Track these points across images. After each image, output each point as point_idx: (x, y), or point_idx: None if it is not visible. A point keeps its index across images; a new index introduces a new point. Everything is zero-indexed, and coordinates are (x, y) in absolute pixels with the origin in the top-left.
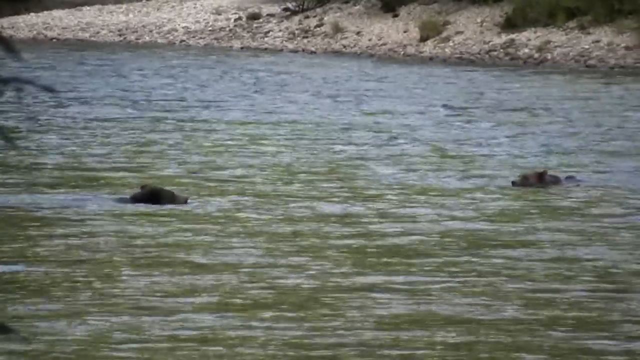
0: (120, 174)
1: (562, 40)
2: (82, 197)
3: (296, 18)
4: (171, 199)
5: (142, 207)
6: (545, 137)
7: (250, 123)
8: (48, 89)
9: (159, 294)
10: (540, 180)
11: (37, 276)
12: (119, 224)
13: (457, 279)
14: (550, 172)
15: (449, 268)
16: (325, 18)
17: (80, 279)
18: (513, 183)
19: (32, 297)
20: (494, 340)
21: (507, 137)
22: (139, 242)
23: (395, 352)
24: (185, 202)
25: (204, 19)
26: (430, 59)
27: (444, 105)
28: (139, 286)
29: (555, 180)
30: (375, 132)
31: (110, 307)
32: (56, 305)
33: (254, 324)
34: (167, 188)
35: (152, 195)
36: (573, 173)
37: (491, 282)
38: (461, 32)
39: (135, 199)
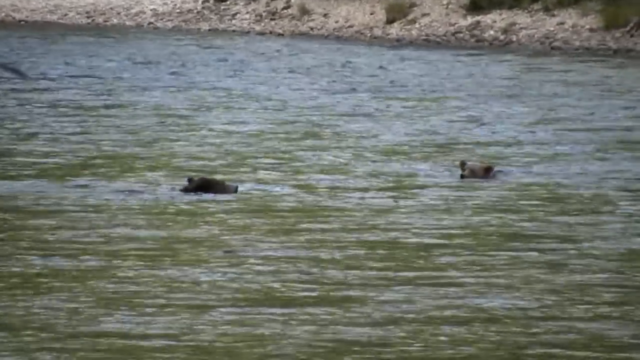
0: (144, 161)
1: (527, 22)
2: (132, 188)
3: (263, 0)
4: (222, 189)
5: (193, 198)
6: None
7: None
8: (18, 72)
9: (193, 289)
10: (487, 174)
11: (72, 268)
12: (167, 216)
13: (486, 274)
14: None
15: (473, 263)
16: (292, 0)
17: (123, 271)
18: (462, 176)
19: (66, 290)
20: (531, 335)
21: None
22: (186, 234)
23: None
24: (235, 191)
25: (172, 1)
26: (397, 40)
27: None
28: (179, 279)
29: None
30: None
31: (144, 301)
32: (88, 298)
33: (282, 319)
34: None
35: (203, 186)
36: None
37: (524, 276)
38: (427, 14)
39: (186, 190)
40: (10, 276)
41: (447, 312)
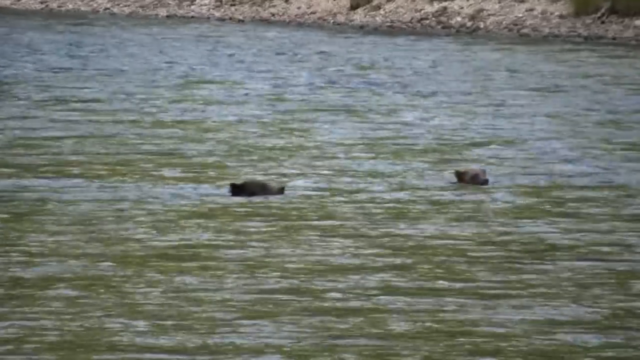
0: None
1: (495, 8)
2: (173, 190)
3: None
4: (266, 190)
5: (237, 201)
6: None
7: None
8: None
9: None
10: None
11: (111, 273)
12: (209, 220)
13: (525, 284)
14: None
15: (511, 272)
16: None
17: (140, 279)
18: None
19: (80, 299)
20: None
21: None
22: (229, 238)
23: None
24: (282, 192)
25: None
26: (361, 27)
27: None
28: (199, 288)
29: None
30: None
31: (162, 312)
32: (104, 307)
33: (312, 330)
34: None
35: (247, 188)
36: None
37: (576, 286)
38: (392, 0)
39: (232, 193)
40: (26, 284)
41: (493, 323)
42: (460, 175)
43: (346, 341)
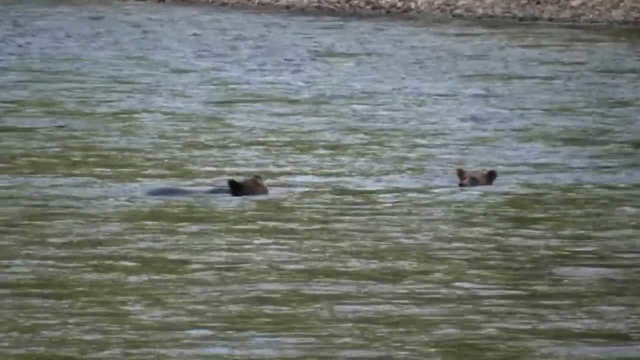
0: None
1: None
2: (157, 189)
3: None
4: (253, 190)
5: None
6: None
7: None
8: None
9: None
10: (490, 180)
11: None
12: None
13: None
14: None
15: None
16: None
17: (135, 286)
18: (461, 185)
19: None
20: None
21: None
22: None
23: None
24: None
25: None
26: (286, 7)
27: None
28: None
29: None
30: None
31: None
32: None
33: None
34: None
35: (232, 187)
36: None
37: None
38: None
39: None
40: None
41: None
42: (462, 178)
43: (348, 352)
